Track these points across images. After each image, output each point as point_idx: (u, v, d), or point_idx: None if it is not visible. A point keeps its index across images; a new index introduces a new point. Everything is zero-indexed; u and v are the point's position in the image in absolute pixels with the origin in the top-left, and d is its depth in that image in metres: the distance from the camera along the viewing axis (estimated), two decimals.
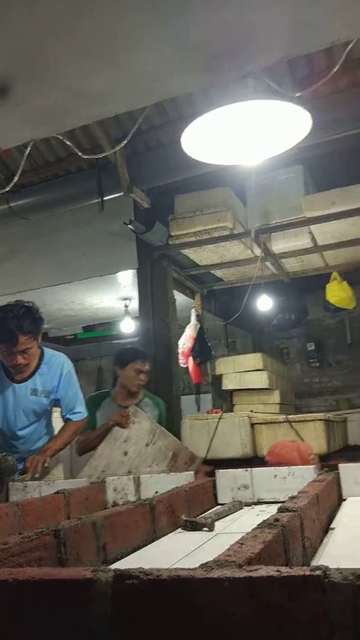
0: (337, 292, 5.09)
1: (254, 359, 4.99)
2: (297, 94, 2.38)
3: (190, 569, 0.66)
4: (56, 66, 2.06)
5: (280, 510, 1.10)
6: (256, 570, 0.63)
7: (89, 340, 7.67)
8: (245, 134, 2.37)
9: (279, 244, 4.64)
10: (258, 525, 0.96)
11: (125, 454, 2.69)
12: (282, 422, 3.51)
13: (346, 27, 2.04)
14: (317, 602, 0.58)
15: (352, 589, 0.57)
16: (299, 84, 3.25)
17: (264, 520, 0.98)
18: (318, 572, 0.59)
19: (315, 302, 6.31)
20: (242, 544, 0.82)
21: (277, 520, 0.97)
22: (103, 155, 3.30)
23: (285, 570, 0.61)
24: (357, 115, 3.61)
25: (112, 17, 1.86)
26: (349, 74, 3.43)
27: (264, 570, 0.63)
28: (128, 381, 3.09)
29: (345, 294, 5.12)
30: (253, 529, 0.93)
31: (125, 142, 2.89)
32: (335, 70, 2.24)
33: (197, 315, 5.09)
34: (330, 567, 0.61)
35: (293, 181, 4.41)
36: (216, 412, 4.19)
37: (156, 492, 1.85)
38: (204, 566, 0.69)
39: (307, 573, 0.60)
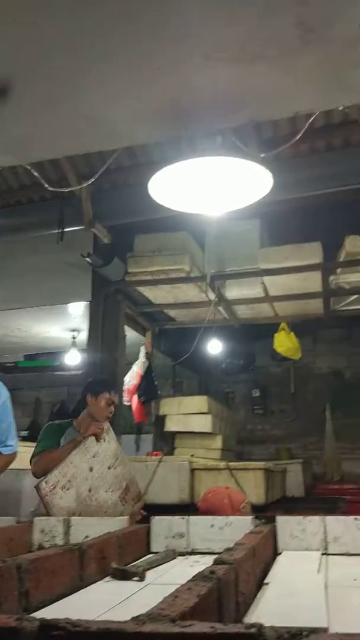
0: (284, 343, 5.24)
1: (199, 402, 5.00)
2: (262, 155, 2.51)
3: (121, 622, 0.64)
4: (28, 99, 2.10)
5: (216, 562, 1.10)
6: (190, 626, 0.63)
7: (30, 369, 7.46)
8: (210, 185, 2.47)
9: (233, 291, 4.77)
10: (193, 577, 0.95)
11: (91, 469, 2.63)
12: (223, 469, 3.51)
13: (309, 101, 2.20)
14: None
15: None
16: (264, 144, 3.43)
17: (199, 572, 0.98)
18: (253, 630, 0.59)
19: (263, 349, 6.46)
20: (176, 596, 0.81)
21: (212, 572, 0.96)
22: (70, 189, 3.33)
23: (219, 627, 0.61)
24: (314, 179, 3.83)
25: (82, 65, 1.92)
26: (309, 141, 3.67)
27: (197, 627, 0.62)
28: (98, 411, 3.02)
29: (292, 345, 5.28)
30: (188, 581, 0.92)
31: (92, 180, 2.93)
32: (297, 137, 2.39)
33: (147, 353, 5.08)
34: (265, 624, 0.61)
35: (250, 233, 4.58)
36: (156, 455, 4.14)
37: (86, 537, 1.78)
38: (135, 619, 0.67)
39: (242, 630, 0.60)
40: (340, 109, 2.34)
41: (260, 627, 0.60)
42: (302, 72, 2.00)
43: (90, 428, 2.73)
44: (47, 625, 0.59)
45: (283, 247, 4.43)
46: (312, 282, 4.54)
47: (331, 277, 4.51)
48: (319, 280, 4.50)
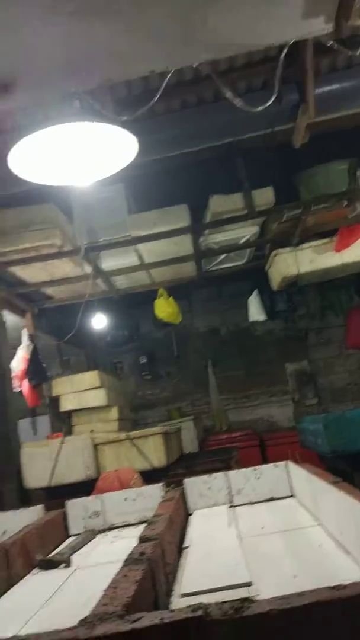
0: (164, 308, 5.31)
1: (90, 378, 4.93)
2: (123, 118, 2.42)
3: (71, 629, 0.63)
4: None
5: (141, 540, 1.10)
6: (139, 620, 0.62)
7: None
8: (73, 154, 2.34)
9: (109, 262, 4.68)
10: (125, 561, 0.94)
11: None
12: (124, 439, 3.53)
13: (162, 60, 2.14)
14: None
15: (232, 622, 0.59)
16: (119, 105, 3.32)
17: (130, 555, 0.97)
18: (199, 612, 0.60)
19: (144, 317, 6.52)
20: (115, 587, 0.80)
21: (142, 554, 0.96)
22: None
23: (167, 616, 0.61)
24: (172, 140, 3.81)
25: None
26: (165, 100, 3.62)
27: (146, 619, 0.61)
28: None
29: (172, 310, 5.37)
30: (122, 567, 0.91)
31: None
32: (156, 98, 2.34)
33: (30, 335, 4.85)
34: (208, 603, 0.62)
35: (115, 199, 4.45)
36: (57, 436, 4.03)
37: (3, 532, 1.74)
38: (84, 622, 0.65)
39: (189, 615, 0.60)
40: (194, 66, 2.32)
41: (205, 607, 0.61)
42: (150, 29, 1.94)
43: None
44: None
45: (150, 212, 4.39)
46: (183, 245, 4.61)
47: (201, 239, 4.60)
48: (190, 243, 4.57)
